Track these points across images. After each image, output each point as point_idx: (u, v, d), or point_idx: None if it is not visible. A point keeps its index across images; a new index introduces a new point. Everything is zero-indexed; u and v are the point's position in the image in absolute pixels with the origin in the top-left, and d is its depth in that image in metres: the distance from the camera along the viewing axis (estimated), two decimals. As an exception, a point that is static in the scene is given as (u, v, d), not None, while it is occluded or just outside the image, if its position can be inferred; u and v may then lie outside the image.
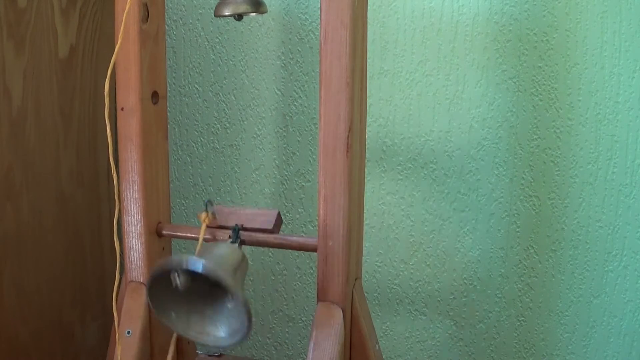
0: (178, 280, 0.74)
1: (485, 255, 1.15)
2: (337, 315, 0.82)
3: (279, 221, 0.87)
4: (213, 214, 0.87)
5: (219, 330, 0.79)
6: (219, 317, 0.78)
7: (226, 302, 0.77)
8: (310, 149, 1.20)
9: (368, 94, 1.07)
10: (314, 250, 0.84)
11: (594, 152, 1.08)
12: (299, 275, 1.25)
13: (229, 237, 0.85)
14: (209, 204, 0.87)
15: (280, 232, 0.87)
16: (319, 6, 0.78)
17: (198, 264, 0.72)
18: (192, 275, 0.74)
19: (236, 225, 0.86)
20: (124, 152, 0.88)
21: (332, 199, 0.81)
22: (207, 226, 0.88)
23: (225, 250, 0.81)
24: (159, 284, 0.76)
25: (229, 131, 1.24)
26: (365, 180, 0.97)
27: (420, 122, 1.14)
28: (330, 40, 0.78)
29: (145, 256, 0.90)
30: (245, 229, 0.86)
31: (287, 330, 1.28)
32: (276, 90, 1.20)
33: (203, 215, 0.86)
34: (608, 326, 1.13)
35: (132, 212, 0.90)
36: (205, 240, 0.88)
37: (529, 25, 1.07)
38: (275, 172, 1.23)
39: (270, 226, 0.85)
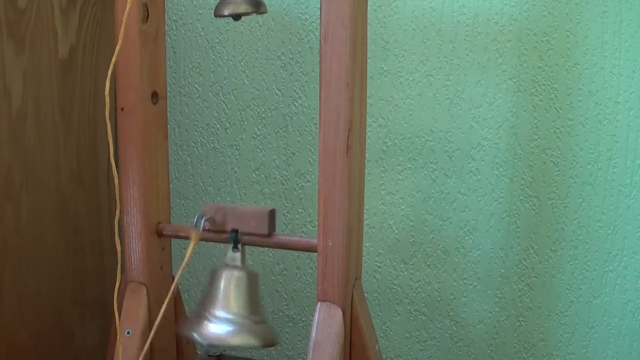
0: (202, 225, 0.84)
1: (485, 255, 1.15)
2: (337, 315, 0.82)
3: (272, 221, 0.86)
4: (206, 222, 0.87)
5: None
6: None
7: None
8: (310, 149, 1.20)
9: (368, 94, 1.07)
10: (314, 250, 0.84)
11: (594, 152, 1.08)
12: (299, 275, 1.25)
13: (230, 240, 0.86)
14: (199, 219, 0.86)
15: (280, 232, 0.87)
16: (319, 6, 0.78)
17: (212, 341, 0.80)
18: None
19: (232, 230, 0.86)
20: (124, 152, 0.88)
21: (332, 199, 0.81)
22: (204, 230, 0.87)
23: (227, 286, 0.83)
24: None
25: (229, 131, 1.24)
26: (365, 180, 0.97)
27: (420, 122, 1.14)
28: (330, 40, 0.78)
29: (145, 256, 0.90)
30: (242, 233, 0.86)
31: (287, 330, 1.28)
32: (276, 90, 1.20)
33: (193, 233, 0.86)
34: (608, 326, 1.13)
35: (132, 212, 0.90)
36: (203, 239, 0.88)
37: (529, 25, 1.07)
38: (275, 172, 1.22)
39: (265, 231, 0.85)
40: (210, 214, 0.87)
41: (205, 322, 0.80)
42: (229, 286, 0.83)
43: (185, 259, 0.83)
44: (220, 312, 0.81)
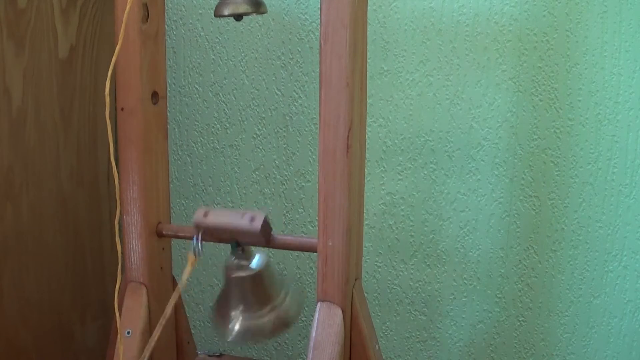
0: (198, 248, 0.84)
1: (485, 255, 1.15)
2: (337, 315, 0.82)
3: (267, 228, 0.85)
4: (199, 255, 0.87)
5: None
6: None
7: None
8: (310, 149, 1.20)
9: (368, 94, 1.07)
10: (314, 250, 0.84)
11: (594, 152, 1.08)
12: (299, 275, 1.25)
13: (230, 253, 0.87)
14: (196, 247, 0.86)
15: (280, 232, 0.87)
16: (319, 6, 0.78)
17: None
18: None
19: (232, 240, 0.86)
20: (124, 152, 0.88)
21: (332, 199, 0.81)
22: (202, 241, 0.87)
23: (241, 289, 0.87)
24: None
25: (229, 131, 1.24)
26: (365, 180, 0.97)
27: (420, 122, 1.14)
28: (330, 40, 0.78)
29: (145, 256, 0.90)
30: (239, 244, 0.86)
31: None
32: (276, 90, 1.20)
33: (190, 257, 0.85)
34: (608, 326, 1.13)
35: (132, 212, 0.90)
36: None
37: (529, 25, 1.07)
38: (275, 172, 1.22)
39: (262, 242, 0.85)
40: (203, 227, 0.86)
41: (225, 325, 0.87)
42: (235, 289, 0.86)
43: (184, 277, 0.84)
44: (233, 313, 0.86)
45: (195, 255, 0.84)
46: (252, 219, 0.83)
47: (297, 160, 1.21)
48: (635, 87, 1.05)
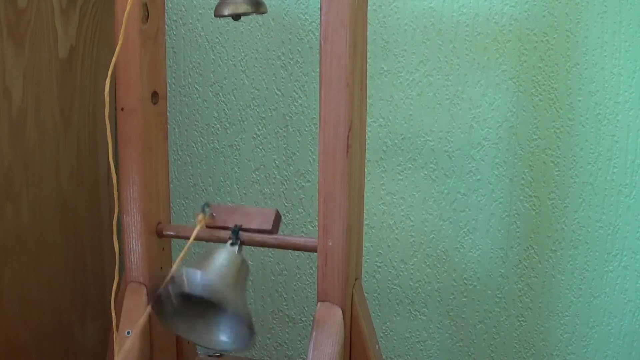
0: (173, 300, 0.77)
1: (485, 255, 1.15)
2: (337, 316, 0.82)
3: (277, 221, 0.87)
4: (211, 215, 0.87)
5: (221, 335, 0.79)
6: (221, 322, 0.79)
7: (228, 309, 0.78)
8: (310, 149, 1.20)
9: (368, 94, 1.07)
10: (314, 250, 0.84)
11: (594, 152, 1.08)
12: (299, 275, 1.25)
13: (229, 237, 0.86)
14: (206, 206, 0.87)
15: (280, 232, 0.87)
16: (319, 6, 0.78)
17: (197, 287, 0.74)
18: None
19: (235, 225, 0.86)
20: (124, 152, 0.88)
21: (332, 199, 0.81)
22: (207, 226, 0.88)
23: (224, 258, 0.81)
24: (163, 292, 0.77)
25: (229, 131, 1.24)
26: (365, 180, 0.97)
27: (420, 122, 1.14)
28: (330, 40, 0.78)
29: (145, 256, 0.90)
30: (244, 230, 0.86)
31: (287, 330, 1.28)
32: (276, 90, 1.20)
33: (200, 216, 0.86)
34: (608, 326, 1.13)
35: (132, 212, 0.90)
36: (204, 239, 0.88)
37: (529, 25, 1.07)
38: (275, 172, 1.22)
39: (269, 227, 0.85)
40: (215, 209, 0.87)
41: (187, 276, 0.75)
42: (219, 260, 0.80)
43: (189, 242, 0.83)
44: (204, 275, 0.76)
45: (204, 213, 0.85)
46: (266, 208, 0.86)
47: (297, 160, 1.21)
48: (635, 87, 1.05)
